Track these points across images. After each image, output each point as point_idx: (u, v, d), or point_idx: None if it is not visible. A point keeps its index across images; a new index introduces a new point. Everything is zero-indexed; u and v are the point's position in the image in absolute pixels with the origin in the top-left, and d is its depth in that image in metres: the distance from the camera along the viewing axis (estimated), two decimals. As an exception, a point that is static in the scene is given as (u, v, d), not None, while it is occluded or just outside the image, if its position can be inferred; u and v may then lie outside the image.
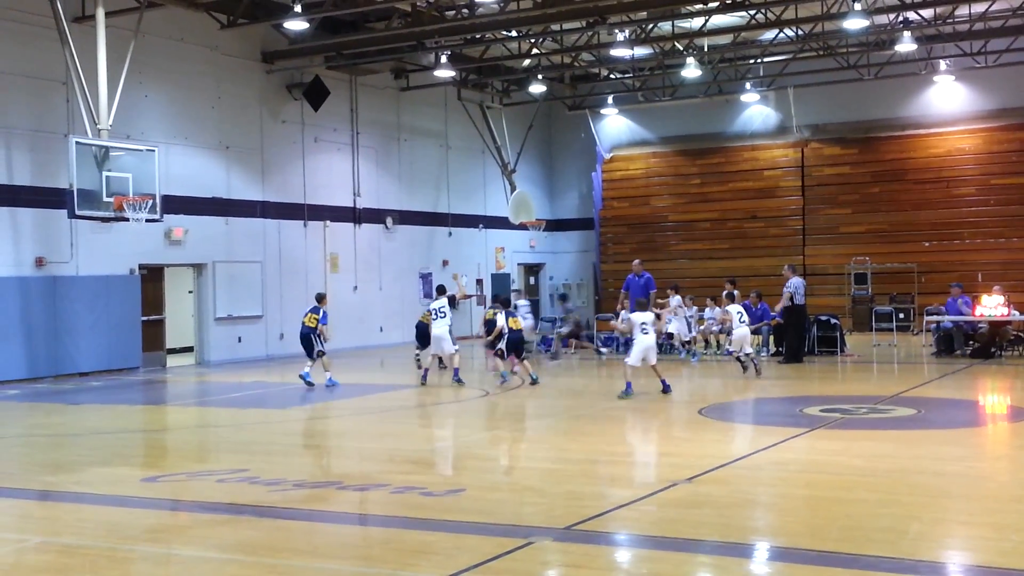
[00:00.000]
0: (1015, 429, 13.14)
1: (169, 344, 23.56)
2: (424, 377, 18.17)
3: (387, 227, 28.89)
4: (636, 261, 23.08)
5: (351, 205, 27.98)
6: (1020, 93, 29.29)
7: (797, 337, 21.14)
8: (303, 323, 18.17)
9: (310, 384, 17.74)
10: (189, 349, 24.36)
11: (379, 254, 28.56)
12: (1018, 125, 29.61)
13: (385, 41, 25.58)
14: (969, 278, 24.84)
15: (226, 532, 7.89)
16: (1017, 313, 20.88)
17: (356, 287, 27.62)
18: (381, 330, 28.10)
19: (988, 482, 9.57)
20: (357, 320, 27.20)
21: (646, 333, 15.47)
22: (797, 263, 30.79)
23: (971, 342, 21.27)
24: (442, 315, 18.05)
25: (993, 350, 21.00)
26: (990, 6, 24.91)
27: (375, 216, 28.65)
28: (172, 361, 23.55)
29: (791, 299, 20.90)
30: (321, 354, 17.94)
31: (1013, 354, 20.84)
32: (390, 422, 14.54)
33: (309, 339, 17.95)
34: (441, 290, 18.97)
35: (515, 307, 19.61)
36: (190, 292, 24.24)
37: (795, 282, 21.24)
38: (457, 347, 18.49)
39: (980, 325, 21.18)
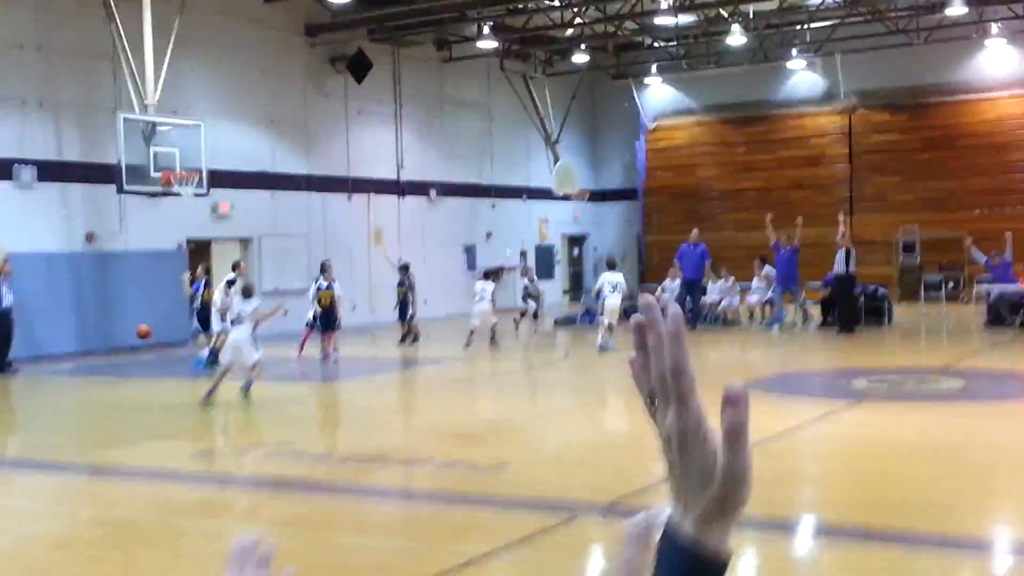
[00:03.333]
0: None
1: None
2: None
3: (430, 199, 28.94)
4: (695, 231, 22.92)
5: (394, 178, 28.03)
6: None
7: (849, 306, 20.92)
8: (319, 302, 18.15)
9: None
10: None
11: (423, 227, 28.61)
12: (1072, 89, 28.98)
13: (427, 13, 25.48)
14: (1019, 246, 24.37)
15: (275, 506, 8.00)
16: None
17: (400, 259, 27.70)
18: (425, 303, 28.18)
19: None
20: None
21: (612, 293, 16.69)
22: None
23: (1022, 311, 20.93)
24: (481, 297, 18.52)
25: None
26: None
27: (418, 188, 28.68)
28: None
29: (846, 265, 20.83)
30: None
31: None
32: (435, 395, 14.62)
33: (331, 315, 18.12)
34: (485, 275, 19.23)
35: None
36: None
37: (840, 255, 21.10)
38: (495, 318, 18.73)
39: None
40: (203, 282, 18.78)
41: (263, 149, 24.42)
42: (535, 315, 22.78)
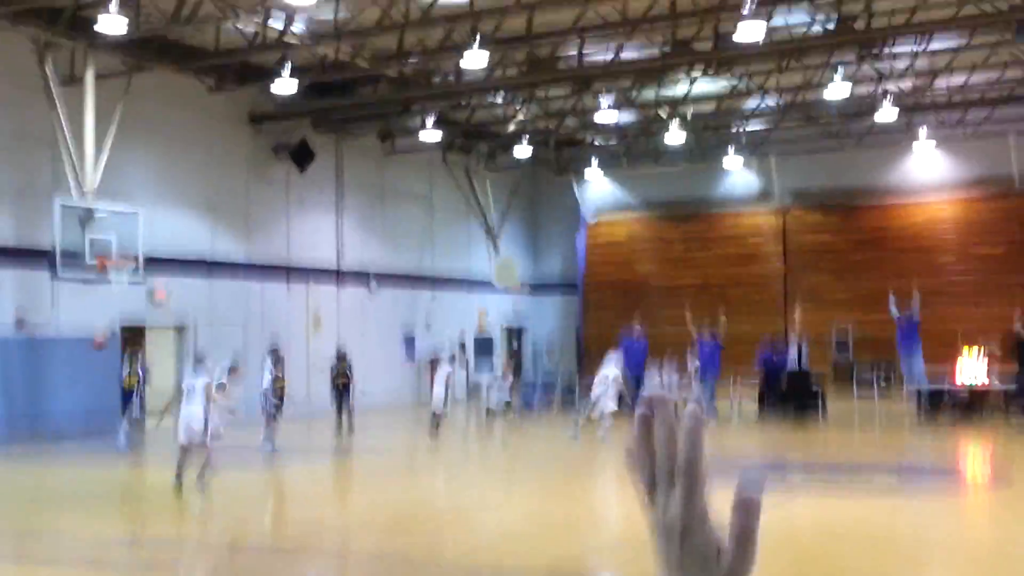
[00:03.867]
0: (996, 497, 13.12)
1: (151, 406, 23.33)
2: None
3: (370, 291, 28.89)
4: (637, 325, 23.15)
5: (334, 267, 27.99)
6: (998, 163, 29.61)
7: (800, 400, 21.47)
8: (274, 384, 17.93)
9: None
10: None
11: (363, 315, 28.51)
12: (996, 194, 29.92)
13: (372, 105, 25.77)
14: (949, 343, 24.85)
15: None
16: (996, 382, 20.94)
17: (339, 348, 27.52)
18: (363, 394, 27.91)
19: (969, 549, 9.54)
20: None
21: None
22: (780, 328, 30.91)
23: (953, 406, 21.31)
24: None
25: (975, 416, 21.01)
26: (968, 79, 25.33)
27: (358, 278, 28.65)
28: (153, 424, 23.30)
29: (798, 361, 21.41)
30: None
31: (992, 420, 20.81)
32: (373, 483, 14.38)
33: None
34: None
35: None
36: (171, 354, 24.08)
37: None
38: None
39: (961, 393, 21.24)
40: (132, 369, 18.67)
41: (202, 235, 24.29)
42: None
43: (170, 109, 23.33)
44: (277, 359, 18.57)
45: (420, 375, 29.29)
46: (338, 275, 28.02)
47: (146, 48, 20.75)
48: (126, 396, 18.51)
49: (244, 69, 22.91)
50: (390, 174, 30.02)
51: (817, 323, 30.90)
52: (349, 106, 25.80)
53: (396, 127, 28.51)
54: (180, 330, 23.80)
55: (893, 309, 22.62)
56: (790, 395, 22.01)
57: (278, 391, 17.82)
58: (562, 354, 33.92)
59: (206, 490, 12.35)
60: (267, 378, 18.29)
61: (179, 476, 12.51)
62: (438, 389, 19.38)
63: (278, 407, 17.75)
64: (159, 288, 22.76)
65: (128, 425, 18.45)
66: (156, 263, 21.72)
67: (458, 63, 21.22)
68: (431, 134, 26.88)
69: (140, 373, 19.02)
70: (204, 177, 24.30)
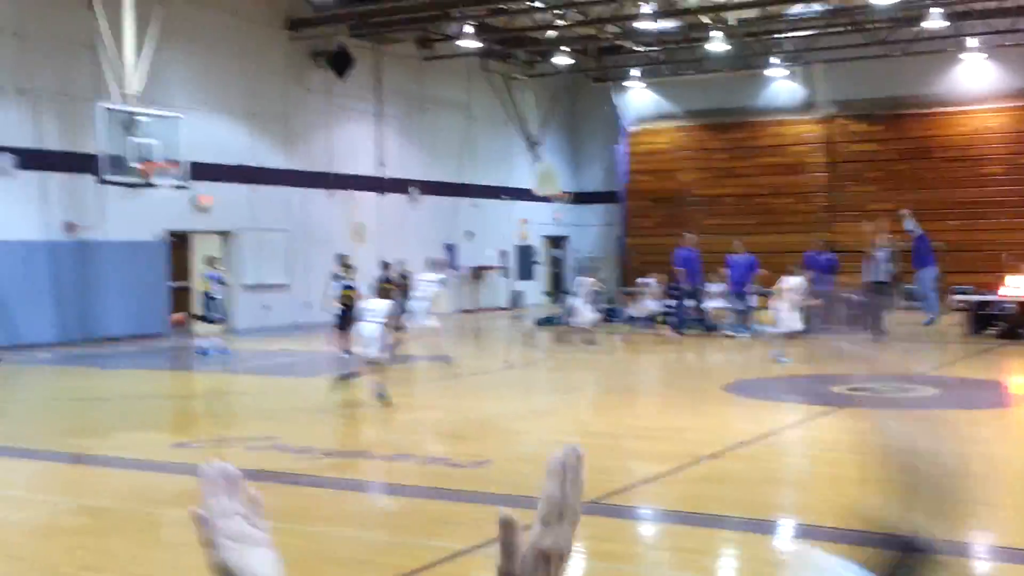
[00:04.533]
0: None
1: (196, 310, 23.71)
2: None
3: (411, 197, 28.92)
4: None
5: (375, 175, 28.01)
6: (1050, 72, 28.96)
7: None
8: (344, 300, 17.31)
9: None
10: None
11: (403, 224, 28.60)
12: (1047, 104, 29.30)
13: (410, 11, 25.48)
14: (994, 257, 24.62)
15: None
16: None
17: (381, 257, 27.69)
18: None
19: (1009, 463, 9.57)
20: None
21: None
22: (824, 239, 30.67)
23: (998, 322, 21.14)
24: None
25: (1021, 330, 20.83)
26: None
27: (399, 186, 28.67)
28: (200, 327, 23.70)
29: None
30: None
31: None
32: (418, 393, 14.62)
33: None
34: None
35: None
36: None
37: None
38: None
39: (1007, 305, 21.04)
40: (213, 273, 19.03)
41: (242, 143, 24.34)
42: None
43: (208, 14, 23.21)
44: (346, 266, 18.21)
45: (463, 284, 29.40)
46: (379, 183, 28.03)
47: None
48: (205, 302, 18.92)
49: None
50: (429, 81, 29.79)
51: (861, 235, 30.66)
52: (387, 11, 25.50)
53: (435, 33, 28.20)
54: (225, 235, 24.01)
55: (909, 225, 22.34)
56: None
57: (348, 300, 17.41)
58: (604, 264, 33.91)
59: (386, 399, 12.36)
60: (334, 286, 17.84)
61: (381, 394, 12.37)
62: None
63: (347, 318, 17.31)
64: (203, 195, 22.90)
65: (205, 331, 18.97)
66: (198, 169, 21.81)
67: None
68: (470, 41, 26.57)
69: (213, 280, 19.13)
70: (243, 83, 24.24)
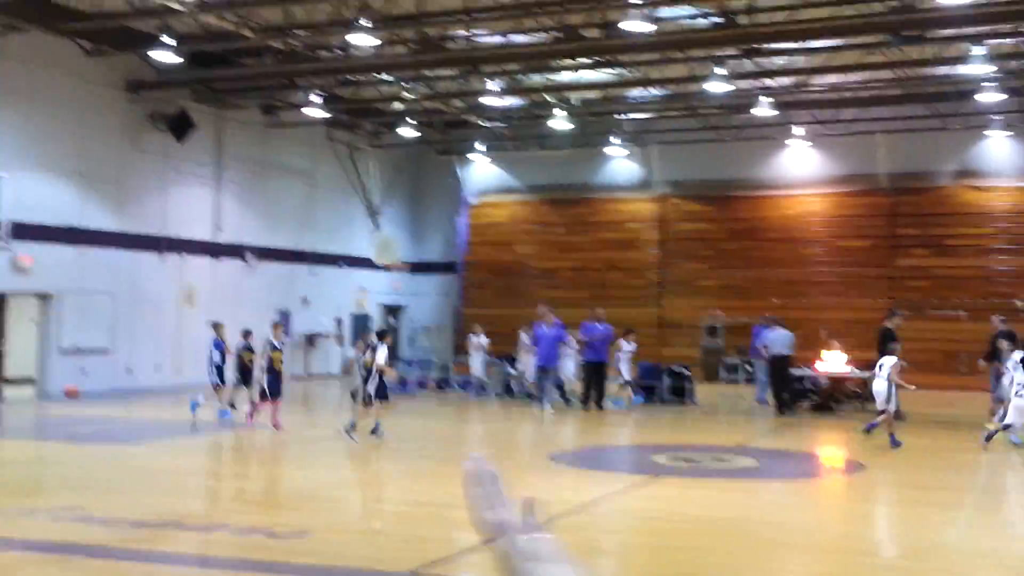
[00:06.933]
0: (849, 481, 13.71)
1: (8, 374, 22.58)
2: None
3: (247, 262, 28.42)
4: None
5: (211, 239, 27.44)
6: (866, 161, 30.72)
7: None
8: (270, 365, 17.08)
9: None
10: (30, 380, 23.36)
11: (238, 290, 28.02)
12: (863, 191, 31.05)
13: (256, 78, 25.30)
14: (813, 334, 25.75)
15: (54, 573, 7.62)
16: (856, 370, 21.77)
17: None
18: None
19: (819, 533, 9.96)
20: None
21: None
22: (652, 315, 31.61)
23: (812, 396, 22.09)
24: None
25: (832, 404, 21.83)
26: (842, 79, 26.21)
27: (236, 251, 28.15)
28: (9, 392, 22.58)
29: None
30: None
31: (850, 408, 21.64)
32: (238, 461, 14.26)
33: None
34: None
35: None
36: (32, 321, 23.29)
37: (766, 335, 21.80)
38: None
39: (821, 380, 22.04)
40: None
41: (71, 203, 23.51)
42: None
43: (43, 72, 22.51)
44: (275, 326, 18.12)
45: (295, 351, 28.93)
46: (215, 248, 27.48)
47: (21, 7, 19.96)
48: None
49: (123, 34, 22.19)
50: (272, 147, 29.54)
51: (690, 310, 31.71)
52: (231, 77, 25.27)
53: (280, 101, 28.06)
54: (45, 297, 23.04)
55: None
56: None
57: (276, 364, 17.14)
58: (440, 333, 34.03)
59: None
60: (263, 350, 17.45)
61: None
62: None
63: (276, 383, 17.05)
64: (23, 255, 21.97)
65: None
66: (20, 228, 20.96)
67: (346, 39, 20.99)
68: (316, 110, 26.54)
69: None
70: (75, 143, 23.50)
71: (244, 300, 27.80)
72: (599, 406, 21.06)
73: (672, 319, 31.85)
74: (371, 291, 33.68)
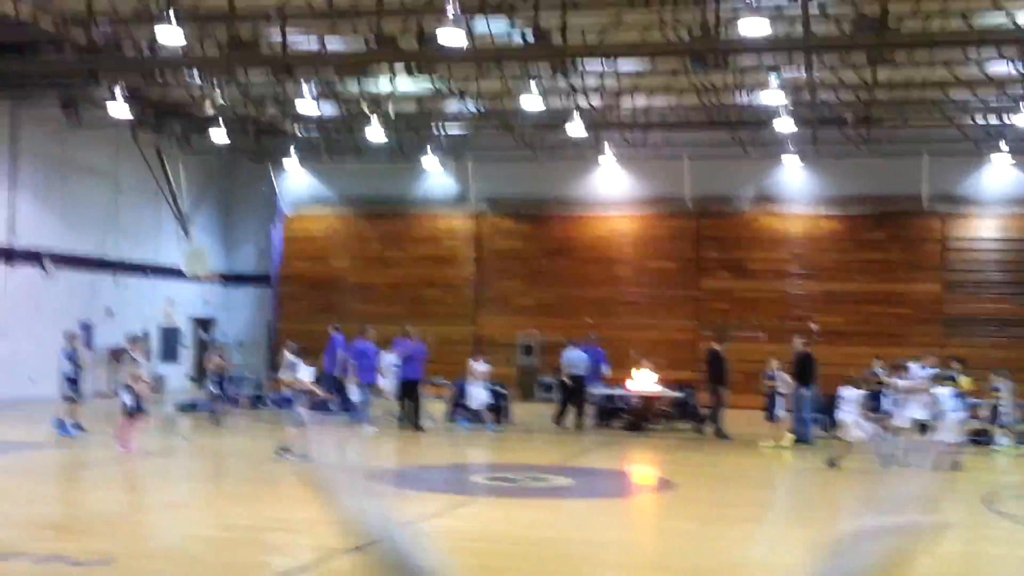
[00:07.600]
0: (660, 500, 14.08)
1: None
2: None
3: (45, 269, 26.88)
4: (412, 331, 22.23)
5: (5, 244, 25.84)
6: (674, 184, 31.65)
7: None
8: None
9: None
10: None
11: (35, 299, 26.47)
12: (671, 214, 32.03)
13: (55, 72, 24.02)
14: (623, 353, 26.33)
15: None
16: (667, 389, 22.44)
17: (5, 333, 25.45)
18: (31, 380, 25.95)
19: (633, 551, 10.17)
20: (3, 370, 24.97)
21: None
22: (468, 332, 31.71)
23: (623, 415, 22.62)
24: None
25: (644, 423, 22.39)
26: (650, 102, 27.06)
27: (32, 257, 26.60)
28: None
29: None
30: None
31: (661, 427, 22.25)
32: (35, 483, 13.44)
33: None
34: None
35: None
36: None
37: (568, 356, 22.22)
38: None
39: (632, 399, 22.60)
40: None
41: None
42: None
43: None
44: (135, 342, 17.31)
45: (98, 366, 27.55)
46: (8, 253, 25.91)
47: None
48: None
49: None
50: (73, 147, 28.07)
51: (506, 328, 31.96)
52: (27, 69, 23.89)
53: (81, 97, 26.70)
54: None
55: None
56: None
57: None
58: (254, 348, 33.12)
59: None
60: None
61: None
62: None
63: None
64: None
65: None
66: None
67: (153, 35, 20.17)
68: (120, 108, 25.37)
69: None
70: None
71: (41, 310, 26.30)
72: (416, 425, 20.92)
73: (488, 336, 32.00)
74: (181, 302, 32.43)
